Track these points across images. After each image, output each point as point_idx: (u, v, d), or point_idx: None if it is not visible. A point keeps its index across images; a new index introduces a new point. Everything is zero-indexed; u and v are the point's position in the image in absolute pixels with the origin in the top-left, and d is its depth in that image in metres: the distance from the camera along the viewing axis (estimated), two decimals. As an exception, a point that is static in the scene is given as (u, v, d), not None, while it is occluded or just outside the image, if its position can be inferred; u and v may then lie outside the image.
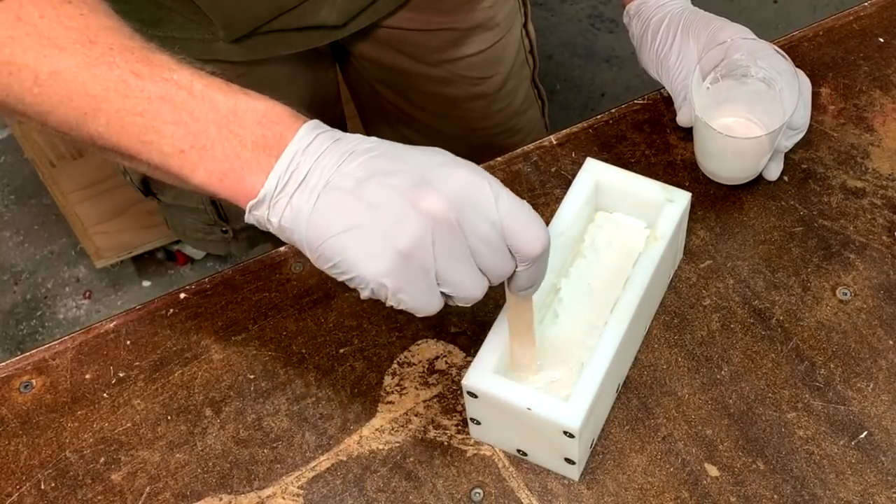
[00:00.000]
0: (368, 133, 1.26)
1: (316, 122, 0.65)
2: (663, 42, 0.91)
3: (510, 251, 0.63)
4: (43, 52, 0.63)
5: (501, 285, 0.67)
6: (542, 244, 0.63)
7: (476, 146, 1.16)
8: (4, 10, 0.63)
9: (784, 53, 0.85)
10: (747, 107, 0.88)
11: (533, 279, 0.66)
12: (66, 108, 0.64)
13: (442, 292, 0.63)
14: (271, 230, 0.64)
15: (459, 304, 0.64)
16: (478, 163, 0.93)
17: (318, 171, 0.62)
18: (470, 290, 0.63)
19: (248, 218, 0.64)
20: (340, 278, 0.62)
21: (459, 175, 0.62)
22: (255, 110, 0.63)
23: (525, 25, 1.14)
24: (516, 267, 0.65)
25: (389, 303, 0.62)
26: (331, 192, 0.61)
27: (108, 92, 0.63)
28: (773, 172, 0.89)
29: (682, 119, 0.91)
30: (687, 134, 0.93)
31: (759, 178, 0.90)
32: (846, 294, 0.85)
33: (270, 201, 0.62)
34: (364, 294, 0.63)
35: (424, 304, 0.63)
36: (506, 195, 0.63)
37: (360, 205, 0.61)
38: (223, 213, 1.18)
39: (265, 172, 0.62)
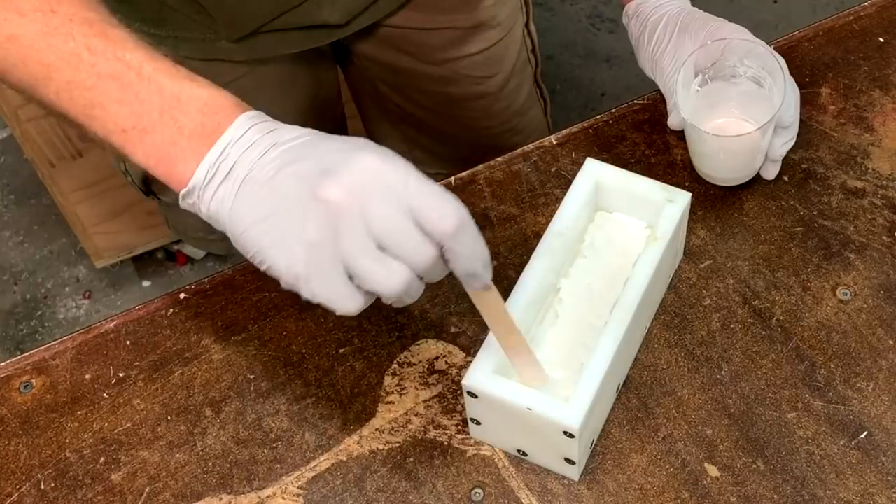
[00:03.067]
0: (371, 133, 1.26)
1: (255, 113, 0.65)
2: (659, 43, 0.91)
3: (427, 235, 0.61)
4: (3, 15, 0.65)
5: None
6: (455, 221, 0.61)
7: (478, 145, 1.16)
8: None
9: (776, 54, 0.85)
10: (739, 107, 0.88)
11: (467, 265, 0.62)
12: (21, 71, 0.66)
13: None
14: (202, 217, 0.65)
15: (392, 302, 0.62)
16: (479, 162, 0.94)
17: (243, 163, 0.63)
18: (383, 281, 0.61)
19: (182, 205, 0.66)
20: (261, 268, 0.63)
21: (364, 161, 0.61)
22: (198, 98, 0.64)
23: (527, 25, 1.14)
24: (443, 253, 0.62)
25: (304, 295, 0.62)
26: (248, 184, 0.62)
27: (60, 62, 0.64)
28: (771, 172, 0.89)
29: (673, 122, 0.91)
30: (687, 134, 0.93)
31: (759, 178, 0.90)
32: (846, 294, 0.85)
33: (199, 191, 0.64)
34: (283, 285, 0.62)
35: (337, 297, 0.62)
36: (414, 177, 0.61)
37: (272, 195, 0.62)
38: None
39: (197, 162, 0.64)
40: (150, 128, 0.64)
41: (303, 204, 0.61)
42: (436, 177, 0.95)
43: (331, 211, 0.60)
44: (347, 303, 0.62)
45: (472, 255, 0.62)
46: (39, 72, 0.65)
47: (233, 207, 0.63)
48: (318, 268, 0.61)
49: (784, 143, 0.88)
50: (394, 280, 0.61)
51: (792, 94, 0.87)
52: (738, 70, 0.87)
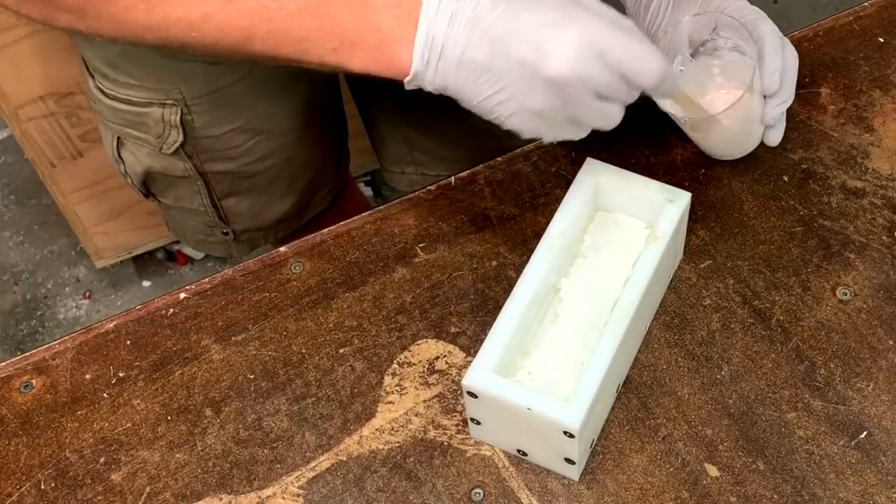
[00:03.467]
0: (371, 133, 1.26)
1: None
2: (653, 19, 0.90)
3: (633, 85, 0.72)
4: (188, 1, 0.70)
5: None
6: (657, 76, 0.71)
7: (480, 146, 1.16)
8: None
9: (761, 20, 0.83)
10: (725, 78, 0.87)
11: (665, 93, 0.76)
12: (225, 41, 0.72)
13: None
14: (432, 92, 0.73)
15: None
16: (479, 162, 0.94)
17: (451, 44, 0.70)
18: (603, 123, 0.74)
19: (409, 86, 0.73)
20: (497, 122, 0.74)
21: (574, 32, 0.69)
22: None
23: None
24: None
25: (547, 140, 0.74)
26: (467, 65, 0.70)
27: (253, 20, 0.70)
28: (773, 138, 0.89)
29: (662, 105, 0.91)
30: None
31: (759, 178, 0.90)
32: (846, 294, 0.85)
33: (422, 75, 0.72)
34: (521, 136, 0.74)
35: (567, 137, 0.74)
36: (620, 38, 0.70)
37: (492, 77, 0.70)
38: (223, 215, 1.18)
39: (409, 52, 0.71)
40: (354, 38, 0.70)
41: (528, 84, 0.70)
42: (436, 178, 0.96)
43: (557, 86, 0.70)
44: (575, 137, 0.75)
45: (669, 88, 0.76)
46: (240, 35, 0.71)
47: (458, 86, 0.72)
48: (550, 126, 0.73)
49: (776, 106, 0.86)
50: (613, 118, 0.74)
51: (776, 60, 0.84)
52: (718, 42, 0.86)
